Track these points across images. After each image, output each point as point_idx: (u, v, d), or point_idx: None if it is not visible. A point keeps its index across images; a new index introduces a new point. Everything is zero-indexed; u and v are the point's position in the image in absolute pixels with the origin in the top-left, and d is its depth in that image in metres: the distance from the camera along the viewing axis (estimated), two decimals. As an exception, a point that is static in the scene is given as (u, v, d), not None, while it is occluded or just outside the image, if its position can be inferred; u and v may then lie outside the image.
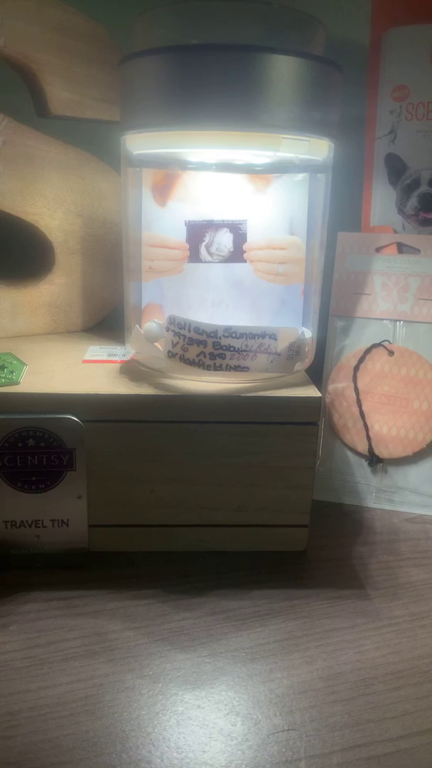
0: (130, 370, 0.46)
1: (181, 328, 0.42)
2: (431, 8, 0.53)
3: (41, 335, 0.58)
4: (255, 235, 0.45)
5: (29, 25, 0.50)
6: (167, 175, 0.45)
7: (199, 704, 0.33)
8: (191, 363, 0.43)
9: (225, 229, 0.44)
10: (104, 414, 0.42)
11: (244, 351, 0.42)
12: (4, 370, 0.44)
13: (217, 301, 0.46)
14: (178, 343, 0.42)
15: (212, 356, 0.42)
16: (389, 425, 0.52)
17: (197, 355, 0.42)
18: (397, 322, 0.53)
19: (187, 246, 0.44)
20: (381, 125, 0.56)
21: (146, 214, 0.47)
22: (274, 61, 0.39)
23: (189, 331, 0.42)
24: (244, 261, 0.45)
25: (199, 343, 0.42)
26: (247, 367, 0.43)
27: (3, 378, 0.43)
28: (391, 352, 0.53)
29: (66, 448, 0.41)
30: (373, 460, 0.53)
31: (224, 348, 0.42)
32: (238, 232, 0.44)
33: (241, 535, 0.45)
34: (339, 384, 0.54)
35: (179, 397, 0.42)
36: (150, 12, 0.42)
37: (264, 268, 0.45)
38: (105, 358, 0.49)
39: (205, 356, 0.42)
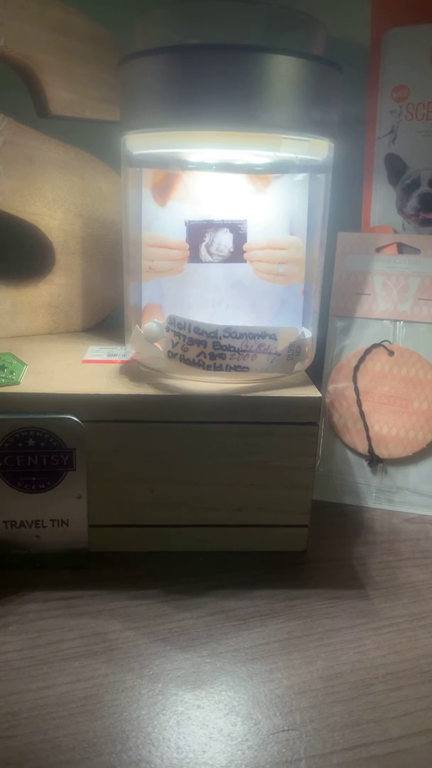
0: (130, 370, 0.46)
1: (181, 328, 0.42)
2: (431, 8, 0.53)
3: (41, 335, 0.58)
4: (255, 235, 0.45)
5: (30, 26, 0.50)
6: (167, 175, 0.46)
7: (199, 704, 0.33)
8: (191, 363, 0.43)
9: (225, 229, 0.44)
10: (104, 414, 0.42)
11: (244, 351, 0.42)
12: (4, 370, 0.44)
13: (217, 301, 0.46)
14: (178, 343, 0.42)
15: (212, 356, 0.42)
16: (389, 425, 0.52)
17: (197, 355, 0.42)
18: (397, 322, 0.53)
19: (187, 246, 0.44)
20: (381, 125, 0.56)
21: (146, 214, 0.47)
22: (274, 61, 0.39)
23: (189, 331, 0.42)
24: (244, 261, 0.45)
25: (199, 343, 0.42)
26: (247, 367, 0.43)
27: (3, 378, 0.43)
28: (391, 352, 0.53)
29: (66, 448, 0.41)
30: (373, 460, 0.53)
31: (224, 348, 0.42)
32: (238, 232, 0.44)
33: (241, 535, 0.45)
34: (339, 384, 0.54)
35: (179, 397, 0.42)
36: (150, 12, 0.42)
37: (264, 268, 0.45)
38: (105, 358, 0.49)
39: (205, 356, 0.42)
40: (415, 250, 0.53)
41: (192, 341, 0.42)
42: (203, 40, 0.40)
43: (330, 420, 0.54)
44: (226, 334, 0.42)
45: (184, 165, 0.45)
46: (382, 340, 0.53)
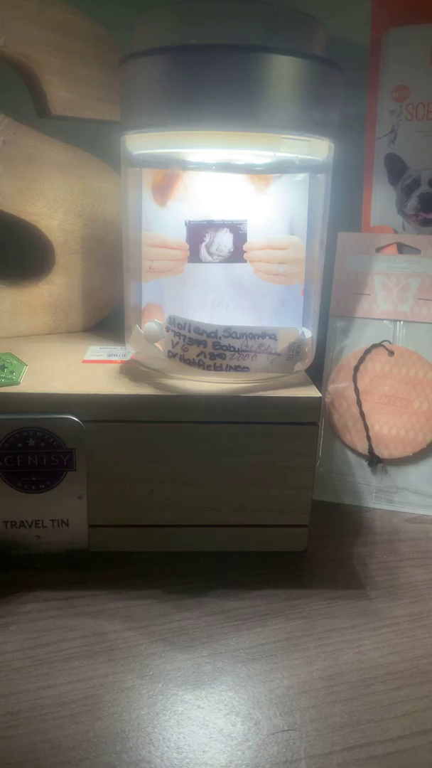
0: (130, 370, 0.46)
1: (181, 328, 0.42)
2: (431, 8, 0.53)
3: (41, 335, 0.58)
4: (255, 235, 0.45)
5: (29, 26, 0.50)
6: (167, 175, 0.46)
7: (199, 704, 0.33)
8: (191, 363, 0.43)
9: (225, 229, 0.44)
10: (104, 414, 0.42)
11: (244, 351, 0.42)
12: (4, 370, 0.44)
13: (217, 302, 0.46)
14: (178, 343, 0.42)
15: (212, 356, 0.42)
16: (389, 425, 0.52)
17: (197, 355, 0.42)
18: (397, 323, 0.53)
19: (187, 246, 0.44)
20: (381, 125, 0.56)
21: (146, 214, 0.47)
22: (274, 61, 0.39)
23: (189, 331, 0.42)
24: (244, 261, 0.45)
25: (199, 343, 0.42)
26: (247, 368, 0.43)
27: (3, 378, 0.43)
28: (391, 353, 0.53)
29: (66, 448, 0.41)
30: (373, 460, 0.53)
31: (224, 348, 0.42)
32: (238, 232, 0.44)
33: (241, 535, 0.45)
34: (339, 384, 0.54)
35: (179, 397, 0.42)
36: (150, 12, 0.42)
37: (264, 268, 0.45)
38: (105, 358, 0.49)
39: (205, 356, 0.42)
40: (415, 250, 0.53)
41: (192, 341, 0.42)
42: (203, 40, 0.40)
43: (330, 420, 0.54)
44: (226, 334, 0.42)
45: (184, 165, 0.45)
46: (382, 340, 0.53)
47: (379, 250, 0.53)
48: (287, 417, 0.42)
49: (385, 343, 0.53)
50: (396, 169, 0.56)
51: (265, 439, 0.43)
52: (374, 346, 0.53)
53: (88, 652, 0.37)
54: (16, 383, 0.43)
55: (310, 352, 0.47)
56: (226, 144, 0.42)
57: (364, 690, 0.35)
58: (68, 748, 0.31)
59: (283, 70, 0.39)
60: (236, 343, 0.42)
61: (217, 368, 0.42)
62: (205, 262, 0.45)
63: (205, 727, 0.32)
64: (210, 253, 0.44)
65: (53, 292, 0.58)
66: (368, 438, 0.53)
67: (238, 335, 0.42)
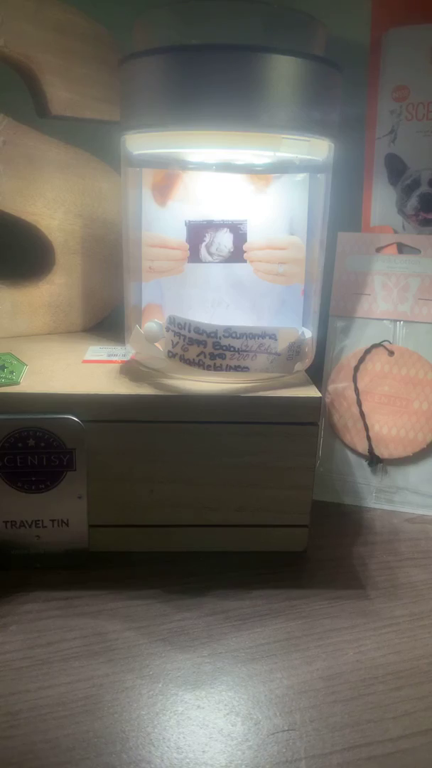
0: (130, 370, 0.46)
1: (181, 328, 0.42)
2: (431, 8, 0.53)
3: (41, 335, 0.58)
4: (255, 235, 0.45)
5: (29, 26, 0.50)
6: (167, 175, 0.46)
7: (199, 704, 0.33)
8: (191, 363, 0.43)
9: (225, 229, 0.44)
10: (104, 414, 0.42)
11: (244, 351, 0.42)
12: (4, 370, 0.44)
13: (217, 301, 0.46)
14: (178, 343, 0.42)
15: (212, 356, 0.42)
16: (389, 425, 0.52)
17: (197, 355, 0.42)
18: (397, 323, 0.53)
19: (187, 246, 0.44)
20: (381, 125, 0.56)
21: (146, 214, 0.47)
22: (274, 61, 0.39)
23: (189, 331, 0.42)
24: (244, 261, 0.45)
25: (199, 343, 0.42)
26: (247, 368, 0.43)
27: (3, 378, 0.43)
28: (391, 353, 0.53)
29: (66, 448, 0.41)
30: (373, 460, 0.53)
31: (224, 348, 0.42)
32: (238, 232, 0.44)
33: (241, 535, 0.45)
34: (339, 384, 0.54)
35: (179, 397, 0.42)
36: (150, 12, 0.42)
37: (264, 268, 0.45)
38: (105, 358, 0.49)
39: (205, 356, 0.42)
40: (415, 250, 0.53)
41: (192, 341, 0.42)
42: (203, 40, 0.40)
43: (330, 420, 0.54)
44: (226, 334, 0.42)
45: (184, 165, 0.45)
46: (382, 340, 0.53)
47: (379, 250, 0.53)
48: (287, 417, 0.42)
49: (385, 343, 0.53)
50: (396, 169, 0.56)
51: (265, 439, 0.43)
52: (374, 346, 0.53)
53: (88, 652, 0.37)
54: (16, 383, 0.43)
55: (310, 352, 0.47)
56: (226, 144, 0.42)
57: (364, 690, 0.35)
58: (68, 748, 0.31)
59: (283, 70, 0.39)
60: (236, 343, 0.42)
61: (217, 368, 0.42)
62: (205, 262, 0.45)
63: (205, 727, 0.32)
64: (210, 253, 0.44)
65: (53, 292, 0.58)
66: (368, 438, 0.53)
67: (238, 335, 0.42)
